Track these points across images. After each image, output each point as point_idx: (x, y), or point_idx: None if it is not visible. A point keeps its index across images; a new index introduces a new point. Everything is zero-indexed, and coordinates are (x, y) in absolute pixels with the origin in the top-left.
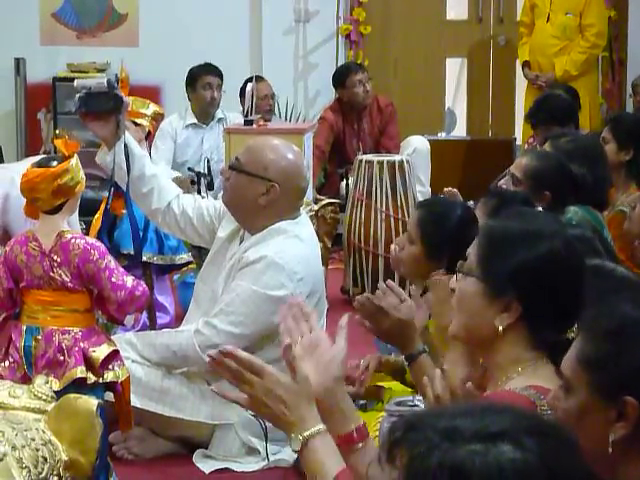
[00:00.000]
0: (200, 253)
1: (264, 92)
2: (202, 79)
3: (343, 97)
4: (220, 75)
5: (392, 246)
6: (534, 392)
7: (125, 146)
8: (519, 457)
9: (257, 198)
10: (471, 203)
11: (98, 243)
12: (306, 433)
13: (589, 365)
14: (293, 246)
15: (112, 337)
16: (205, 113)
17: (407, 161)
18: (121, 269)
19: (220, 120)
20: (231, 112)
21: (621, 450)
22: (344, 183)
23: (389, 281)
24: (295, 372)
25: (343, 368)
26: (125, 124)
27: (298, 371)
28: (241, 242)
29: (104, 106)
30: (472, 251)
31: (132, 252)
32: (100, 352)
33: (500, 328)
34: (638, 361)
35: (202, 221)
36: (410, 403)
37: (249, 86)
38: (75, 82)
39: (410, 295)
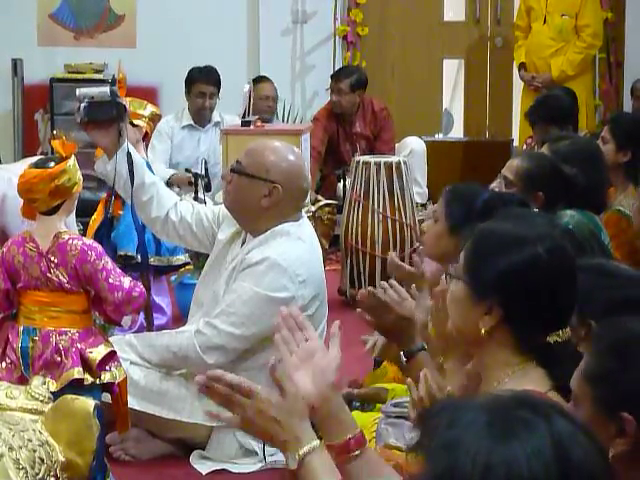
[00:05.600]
0: (198, 254)
1: (264, 93)
2: (197, 86)
3: None
4: (216, 83)
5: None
6: None
7: (129, 154)
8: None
9: (259, 200)
10: None
11: (95, 244)
12: (302, 451)
13: (593, 380)
14: (296, 248)
15: (112, 338)
16: (199, 117)
17: (404, 162)
18: (118, 270)
19: (217, 124)
20: (228, 114)
21: (622, 466)
22: (341, 184)
23: (391, 280)
24: (284, 390)
25: (337, 375)
26: (126, 130)
27: (287, 389)
28: (243, 244)
29: (107, 115)
30: (462, 254)
31: (129, 253)
32: (97, 353)
33: (482, 330)
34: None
35: (201, 227)
36: (407, 404)
37: (246, 87)
38: (77, 91)
39: (411, 296)
